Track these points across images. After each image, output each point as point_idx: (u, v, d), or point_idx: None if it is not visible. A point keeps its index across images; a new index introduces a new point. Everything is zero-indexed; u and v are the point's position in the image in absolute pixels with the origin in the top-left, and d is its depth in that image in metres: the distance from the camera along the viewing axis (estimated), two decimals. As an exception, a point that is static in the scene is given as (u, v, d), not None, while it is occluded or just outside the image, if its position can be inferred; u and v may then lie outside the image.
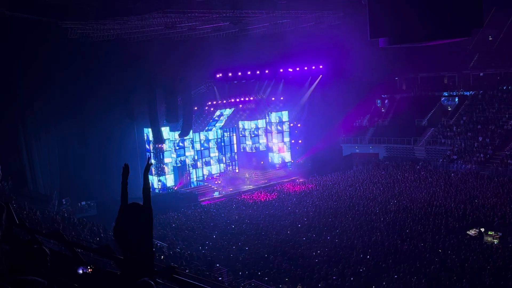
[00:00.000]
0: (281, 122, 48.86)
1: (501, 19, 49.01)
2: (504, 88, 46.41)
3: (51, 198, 33.89)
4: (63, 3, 26.39)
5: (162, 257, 21.03)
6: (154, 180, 40.78)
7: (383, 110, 53.40)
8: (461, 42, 38.43)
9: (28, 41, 29.72)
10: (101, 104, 34.30)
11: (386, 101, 54.09)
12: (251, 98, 45.97)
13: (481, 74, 50.23)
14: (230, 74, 41.30)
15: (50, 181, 36.02)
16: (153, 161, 40.53)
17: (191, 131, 41.98)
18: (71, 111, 34.75)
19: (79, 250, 4.93)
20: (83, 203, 36.66)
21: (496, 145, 40.86)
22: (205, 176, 44.75)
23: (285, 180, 43.68)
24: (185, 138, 41.80)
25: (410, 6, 15.94)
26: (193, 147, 43.69)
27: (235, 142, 48.52)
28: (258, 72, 42.88)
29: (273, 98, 47.22)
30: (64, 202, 35.30)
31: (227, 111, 45.75)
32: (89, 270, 4.42)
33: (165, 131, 40.50)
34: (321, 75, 46.36)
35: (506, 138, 41.28)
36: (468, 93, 48.90)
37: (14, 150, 33.77)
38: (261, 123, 48.65)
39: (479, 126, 43.75)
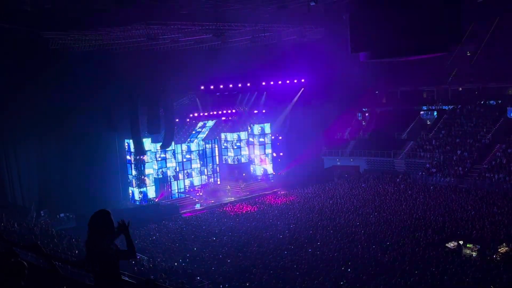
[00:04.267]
0: (263, 134, 49.03)
1: (479, 34, 50.08)
2: (482, 102, 47.31)
3: (30, 210, 33.28)
4: (45, 13, 26.11)
5: (142, 269, 20.81)
6: (135, 192, 40.46)
7: (364, 123, 53.92)
8: (439, 57, 39.15)
9: (8, 51, 29.34)
10: (82, 114, 33.95)
11: (367, 115, 54.68)
12: (234, 111, 46.06)
13: (459, 88, 51.17)
14: (212, 86, 41.36)
15: (28, 192, 35.38)
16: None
17: (173, 143, 41.83)
18: (51, 121, 34.31)
19: (57, 262, 4.89)
20: (62, 215, 36.02)
21: (474, 159, 41.48)
22: (187, 188, 44.52)
23: (267, 192, 43.66)
24: (167, 149, 41.61)
25: (390, 22, 16.27)
26: (175, 158, 43.49)
27: (217, 153, 48.44)
28: (240, 84, 43.05)
29: (255, 111, 47.38)
30: (42, 214, 34.63)
31: (210, 123, 45.72)
32: None
33: (147, 142, 40.27)
34: (302, 88, 46.73)
35: (484, 152, 41.97)
36: (446, 107, 49.70)
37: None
38: (243, 135, 48.73)
39: (457, 140, 44.43)
